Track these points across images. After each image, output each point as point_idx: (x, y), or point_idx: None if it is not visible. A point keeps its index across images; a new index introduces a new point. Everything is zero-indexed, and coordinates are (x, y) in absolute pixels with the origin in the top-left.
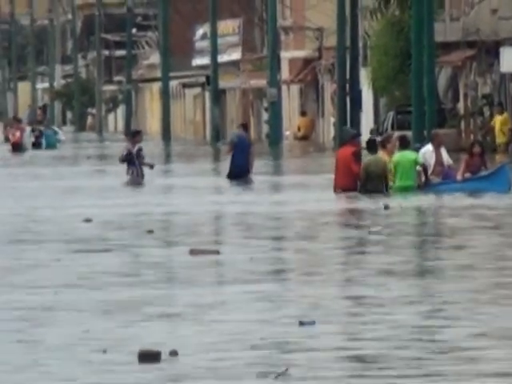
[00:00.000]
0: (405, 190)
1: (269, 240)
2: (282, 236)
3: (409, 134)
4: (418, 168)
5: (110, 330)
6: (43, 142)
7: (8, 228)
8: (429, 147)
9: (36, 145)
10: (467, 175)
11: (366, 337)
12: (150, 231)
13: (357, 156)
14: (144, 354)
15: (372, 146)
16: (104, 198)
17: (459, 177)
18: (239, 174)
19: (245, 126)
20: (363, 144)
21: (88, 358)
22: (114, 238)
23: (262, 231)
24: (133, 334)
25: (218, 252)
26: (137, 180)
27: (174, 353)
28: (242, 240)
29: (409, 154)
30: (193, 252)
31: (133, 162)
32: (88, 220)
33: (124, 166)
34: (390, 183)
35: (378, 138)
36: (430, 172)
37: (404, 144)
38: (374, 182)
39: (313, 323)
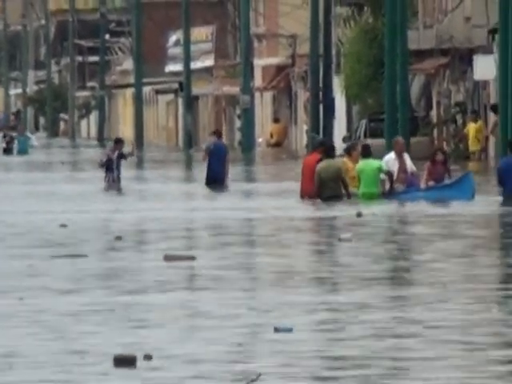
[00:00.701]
0: (369, 197)
1: (239, 246)
2: (253, 242)
3: (382, 141)
4: (383, 176)
5: (82, 335)
6: (14, 147)
7: None
8: (391, 155)
9: (7, 151)
10: (431, 183)
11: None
12: (119, 237)
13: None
14: (119, 358)
15: (329, 152)
16: (80, 204)
17: (422, 185)
18: (216, 180)
19: (218, 133)
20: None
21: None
22: (87, 243)
23: (232, 237)
24: (107, 339)
25: (193, 258)
26: (114, 186)
27: (148, 357)
28: (215, 246)
29: (372, 162)
30: (167, 258)
31: (111, 168)
32: (63, 225)
33: (100, 172)
34: (353, 189)
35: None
36: (394, 179)
37: (366, 152)
38: (329, 188)
39: (290, 330)
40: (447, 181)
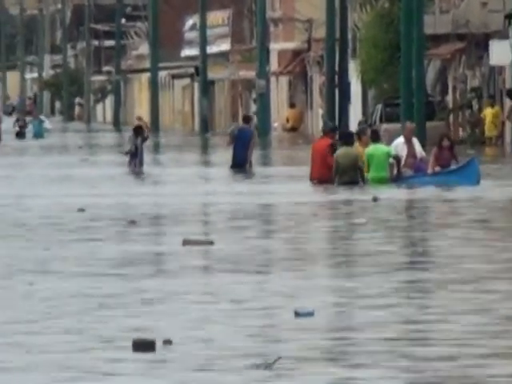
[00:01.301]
0: (378, 181)
1: (256, 230)
2: (269, 226)
3: (398, 126)
4: (391, 160)
5: (106, 319)
6: (28, 131)
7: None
8: (400, 139)
9: (20, 134)
10: (437, 169)
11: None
12: (133, 221)
13: (333, 149)
14: (138, 342)
15: (347, 139)
16: (99, 188)
17: (429, 170)
18: (240, 165)
19: (246, 118)
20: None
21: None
22: (105, 227)
23: (249, 221)
24: (127, 323)
25: (211, 242)
26: (138, 170)
27: (167, 341)
28: (233, 230)
29: (382, 147)
30: (186, 242)
31: (135, 154)
32: (81, 209)
33: (118, 157)
34: (366, 175)
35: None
36: (402, 164)
37: (375, 137)
38: (347, 174)
39: (311, 314)
40: (453, 166)
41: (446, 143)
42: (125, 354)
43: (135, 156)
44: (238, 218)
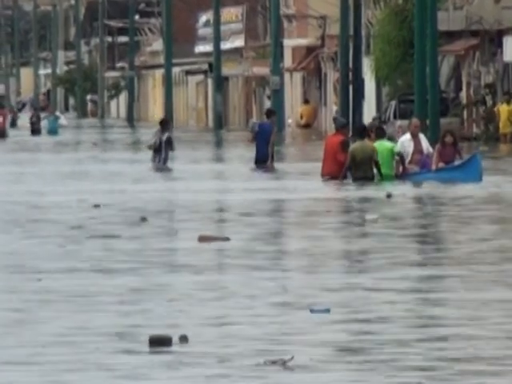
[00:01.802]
0: (383, 178)
1: (271, 227)
2: (283, 223)
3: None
4: (396, 157)
5: (117, 315)
6: (42, 127)
7: (14, 213)
8: (407, 136)
9: (34, 131)
10: (440, 165)
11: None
12: (144, 219)
13: (344, 145)
14: (155, 339)
15: (361, 133)
16: (115, 184)
17: (433, 166)
18: (263, 161)
19: (269, 113)
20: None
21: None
22: (120, 223)
23: (263, 218)
24: (141, 319)
25: (227, 239)
26: (162, 167)
27: (183, 338)
28: (248, 226)
29: (386, 144)
30: (202, 239)
31: (159, 149)
32: (97, 205)
33: (147, 153)
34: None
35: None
36: (408, 160)
37: (380, 134)
38: (362, 169)
39: (327, 311)
40: (457, 162)
41: (449, 139)
42: (141, 349)
43: (159, 151)
44: (252, 215)
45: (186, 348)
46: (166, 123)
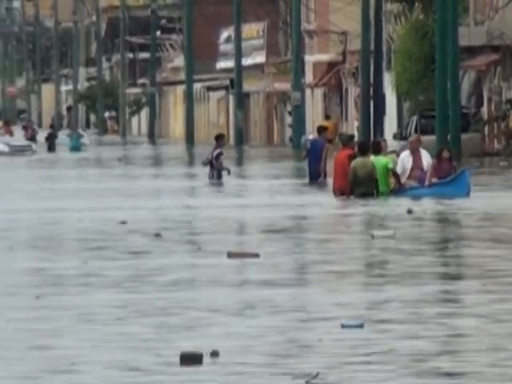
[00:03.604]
0: (379, 194)
1: (292, 243)
2: (303, 238)
3: (433, 138)
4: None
5: (146, 332)
6: (57, 143)
7: (40, 230)
8: (406, 152)
9: (50, 148)
10: (434, 180)
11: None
12: (158, 234)
13: (352, 159)
14: (186, 356)
15: (364, 149)
16: (142, 201)
17: (427, 182)
18: (315, 178)
19: (321, 129)
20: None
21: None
22: (146, 240)
23: (289, 233)
24: (172, 336)
25: (257, 255)
26: (217, 182)
27: (215, 354)
28: (273, 243)
29: (382, 159)
30: (231, 255)
31: (212, 165)
32: (123, 222)
33: (203, 168)
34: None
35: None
36: (406, 176)
37: (377, 149)
38: (363, 185)
39: (360, 326)
40: (448, 178)
41: (445, 154)
42: (173, 368)
43: (212, 167)
44: (275, 231)
45: (216, 363)
46: (220, 139)
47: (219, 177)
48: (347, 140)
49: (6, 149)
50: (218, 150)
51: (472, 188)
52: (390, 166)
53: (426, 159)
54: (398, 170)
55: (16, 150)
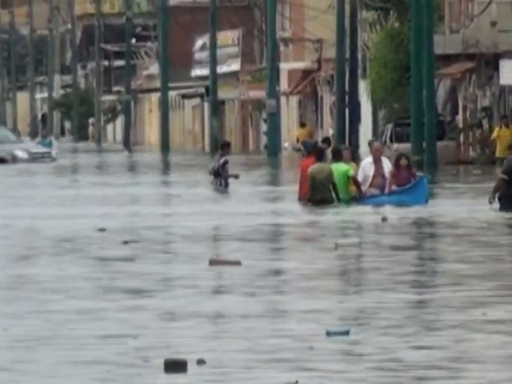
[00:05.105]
0: (339, 201)
1: (269, 251)
2: (283, 247)
3: (408, 146)
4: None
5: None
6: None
7: (22, 238)
8: (368, 159)
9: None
10: (393, 188)
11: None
12: (126, 242)
13: None
14: (170, 362)
15: (319, 155)
16: (122, 208)
17: (387, 189)
18: None
19: (326, 140)
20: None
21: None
22: (131, 247)
23: (266, 241)
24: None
25: (238, 263)
26: (221, 190)
27: (201, 361)
28: (252, 251)
29: (342, 166)
30: (212, 262)
31: (218, 173)
32: (102, 229)
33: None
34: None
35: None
36: (368, 184)
37: (337, 156)
38: (320, 190)
39: (345, 333)
40: (407, 186)
41: (403, 162)
42: (156, 374)
43: (219, 175)
44: (255, 239)
45: (201, 372)
46: (226, 147)
47: (226, 185)
48: (312, 147)
49: (25, 156)
50: (223, 158)
51: (429, 196)
52: (351, 173)
53: (387, 167)
54: (359, 177)
55: (35, 157)
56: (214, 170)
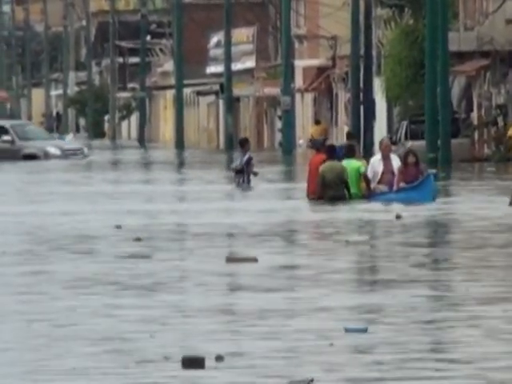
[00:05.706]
0: (351, 198)
1: (287, 246)
2: (299, 243)
3: (423, 143)
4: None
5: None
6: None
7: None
8: (377, 156)
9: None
10: (402, 185)
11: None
12: (138, 239)
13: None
14: (188, 359)
15: (330, 153)
16: (139, 205)
17: (395, 187)
18: None
19: (350, 136)
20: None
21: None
22: (147, 244)
23: (279, 238)
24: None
25: (255, 259)
26: (244, 187)
27: (219, 358)
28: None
29: (354, 163)
30: (229, 260)
31: (242, 170)
32: (118, 226)
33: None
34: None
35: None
36: (377, 180)
37: (350, 153)
38: (333, 189)
39: (363, 330)
40: (415, 183)
41: (411, 159)
42: (176, 371)
43: (241, 172)
44: (268, 235)
45: (219, 367)
46: (245, 143)
47: (249, 181)
48: (320, 145)
49: (58, 152)
50: (247, 155)
51: (437, 193)
52: (362, 169)
53: (396, 164)
54: (369, 174)
55: (68, 154)
56: (237, 168)
